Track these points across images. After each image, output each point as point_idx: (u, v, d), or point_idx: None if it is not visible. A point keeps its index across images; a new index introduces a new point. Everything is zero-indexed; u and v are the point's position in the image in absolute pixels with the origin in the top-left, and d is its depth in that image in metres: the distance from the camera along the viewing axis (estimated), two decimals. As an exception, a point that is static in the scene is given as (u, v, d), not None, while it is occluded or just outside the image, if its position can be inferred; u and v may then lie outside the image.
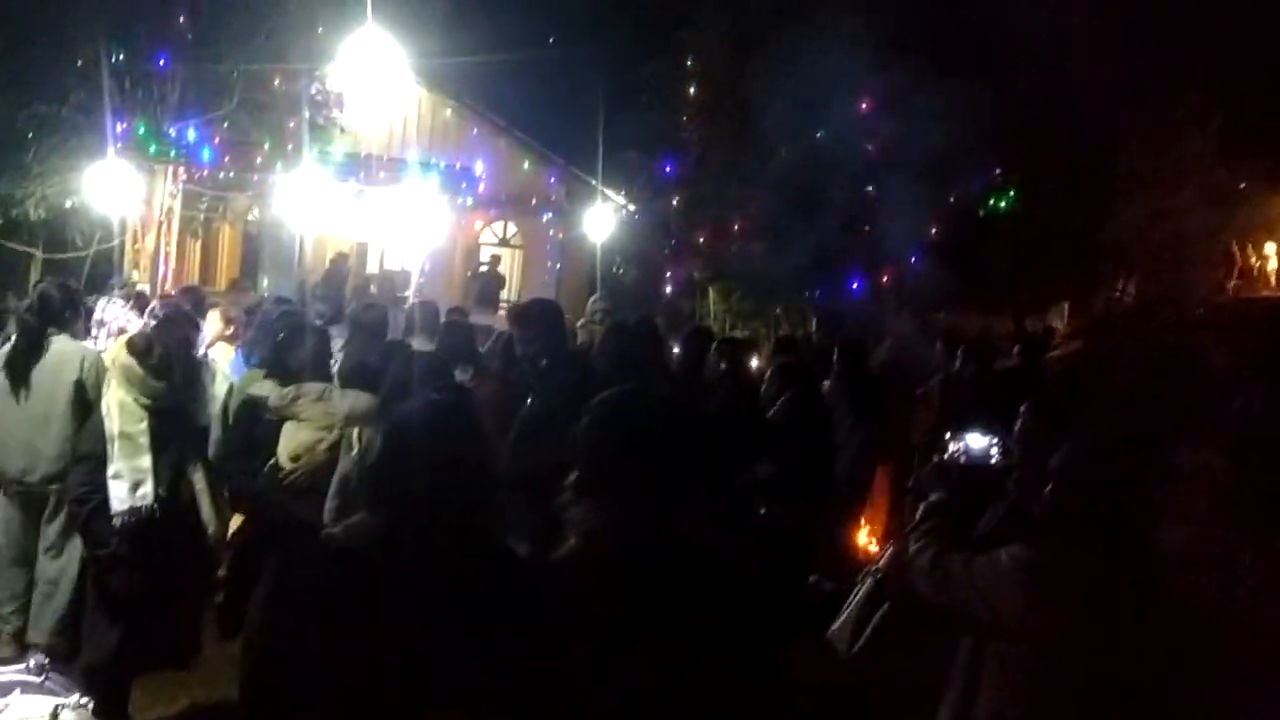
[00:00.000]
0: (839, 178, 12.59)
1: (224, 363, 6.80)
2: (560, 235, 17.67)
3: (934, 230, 12.47)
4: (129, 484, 4.41)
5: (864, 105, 12.77)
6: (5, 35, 11.00)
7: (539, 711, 2.20)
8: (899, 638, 3.05)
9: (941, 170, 12.65)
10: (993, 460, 3.03)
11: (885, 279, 12.51)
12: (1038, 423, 3.02)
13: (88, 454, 4.46)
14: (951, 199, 12.77)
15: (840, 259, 12.64)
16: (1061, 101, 15.86)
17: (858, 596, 3.12)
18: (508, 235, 18.68)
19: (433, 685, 2.23)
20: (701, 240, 14.32)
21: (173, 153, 11.48)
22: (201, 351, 6.77)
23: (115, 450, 4.42)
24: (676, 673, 2.19)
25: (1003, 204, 14.37)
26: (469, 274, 17.91)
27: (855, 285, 12.57)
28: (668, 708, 2.20)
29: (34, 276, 11.82)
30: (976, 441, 3.05)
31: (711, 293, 15.36)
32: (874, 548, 6.45)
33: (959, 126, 11.93)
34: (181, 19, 11.74)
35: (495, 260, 17.55)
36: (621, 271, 16.44)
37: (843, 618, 3.13)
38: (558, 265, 17.61)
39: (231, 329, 7.04)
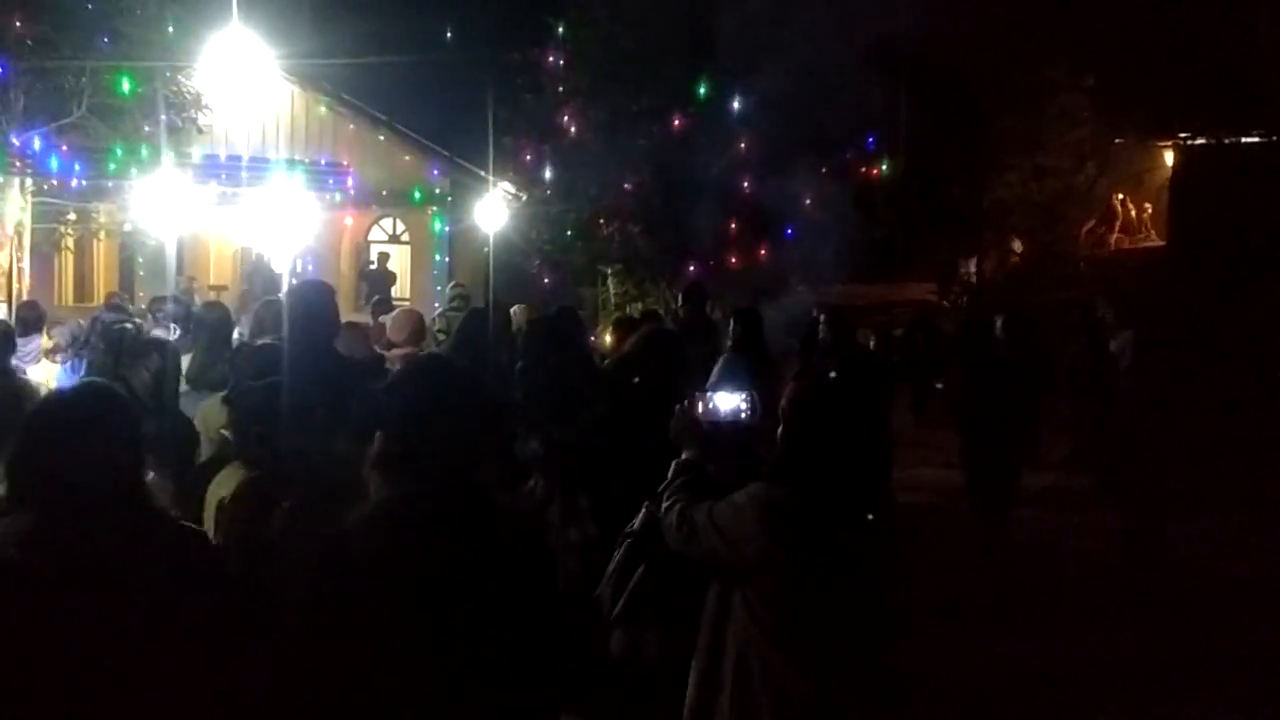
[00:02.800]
0: (711, 154, 12.62)
1: (49, 379, 6.61)
2: (448, 228, 17.45)
3: (808, 202, 12.56)
4: None
5: (733, 81, 12.79)
6: None
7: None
8: (656, 596, 3.05)
9: (815, 142, 12.75)
10: (742, 416, 3.03)
11: (762, 253, 12.60)
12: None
13: None
14: (824, 170, 12.87)
15: (715, 236, 12.67)
16: (936, 65, 16.14)
17: (617, 557, 3.10)
18: (397, 231, 18.40)
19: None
20: (580, 225, 14.23)
21: (17, 164, 10.99)
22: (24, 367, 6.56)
23: None
24: (472, 632, 2.19)
25: (878, 171, 14.57)
26: (358, 273, 17.63)
27: (732, 260, 12.63)
28: (461, 665, 2.19)
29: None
30: (725, 400, 3.05)
31: (609, 277, 15.33)
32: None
33: (831, 96, 12.03)
34: (18, 23, 11.24)
35: (384, 258, 17.27)
36: (524, 261, 16.29)
37: (604, 578, 3.12)
38: (446, 259, 17.38)
39: (53, 345, 6.84)
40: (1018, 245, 20.14)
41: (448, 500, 2.28)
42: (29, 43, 11.53)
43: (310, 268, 15.44)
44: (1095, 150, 19.55)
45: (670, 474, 2.98)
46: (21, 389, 5.86)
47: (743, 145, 12.67)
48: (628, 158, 13.09)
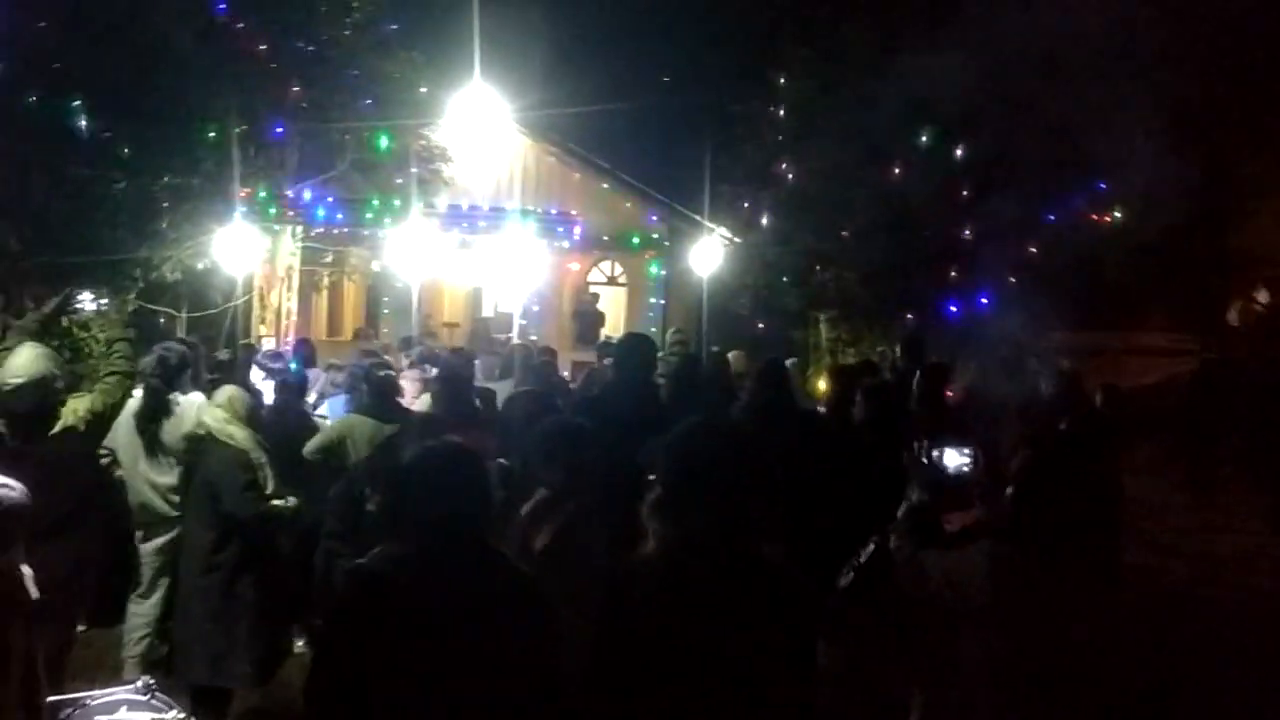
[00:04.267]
0: (931, 201, 12.56)
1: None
2: (664, 272, 18.04)
3: (1032, 250, 12.26)
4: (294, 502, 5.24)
5: (953, 128, 12.69)
6: (144, 118, 12.07)
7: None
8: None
9: (1042, 187, 12.46)
10: (966, 470, 3.21)
11: (983, 300, 12.36)
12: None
13: (249, 483, 5.06)
14: (1052, 216, 12.54)
15: (934, 283, 12.56)
16: (1173, 107, 15.38)
17: (842, 584, 3.32)
18: (615, 274, 19.16)
19: (471, 698, 2.58)
20: (796, 271, 14.42)
21: (290, 214, 12.31)
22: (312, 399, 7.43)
23: (268, 476, 5.17)
24: (730, 666, 2.47)
25: (1109, 218, 14.01)
26: (572, 313, 18.50)
27: (953, 309, 12.45)
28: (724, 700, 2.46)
29: (180, 333, 12.83)
30: (952, 456, 3.24)
31: (821, 322, 15.45)
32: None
33: (1058, 141, 11.77)
34: (295, 88, 12.62)
35: (594, 298, 18.04)
36: (738, 304, 16.64)
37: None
38: (662, 301, 17.95)
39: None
40: (1263, 295, 18.76)
41: (715, 549, 2.55)
42: (303, 106, 12.94)
43: (536, 308, 16.33)
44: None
45: (900, 514, 3.19)
46: (314, 428, 6.72)
47: (964, 193, 12.54)
48: (846, 205, 13.22)
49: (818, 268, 14.11)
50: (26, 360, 4.55)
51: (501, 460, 5.10)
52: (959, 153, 12.66)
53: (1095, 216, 13.34)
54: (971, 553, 2.90)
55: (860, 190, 13.18)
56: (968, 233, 12.65)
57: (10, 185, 11.64)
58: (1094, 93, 12.03)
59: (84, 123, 12.20)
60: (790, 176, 14.33)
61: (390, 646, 2.57)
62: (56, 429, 4.59)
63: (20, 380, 4.48)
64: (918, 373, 8.06)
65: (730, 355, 8.69)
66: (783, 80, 14.42)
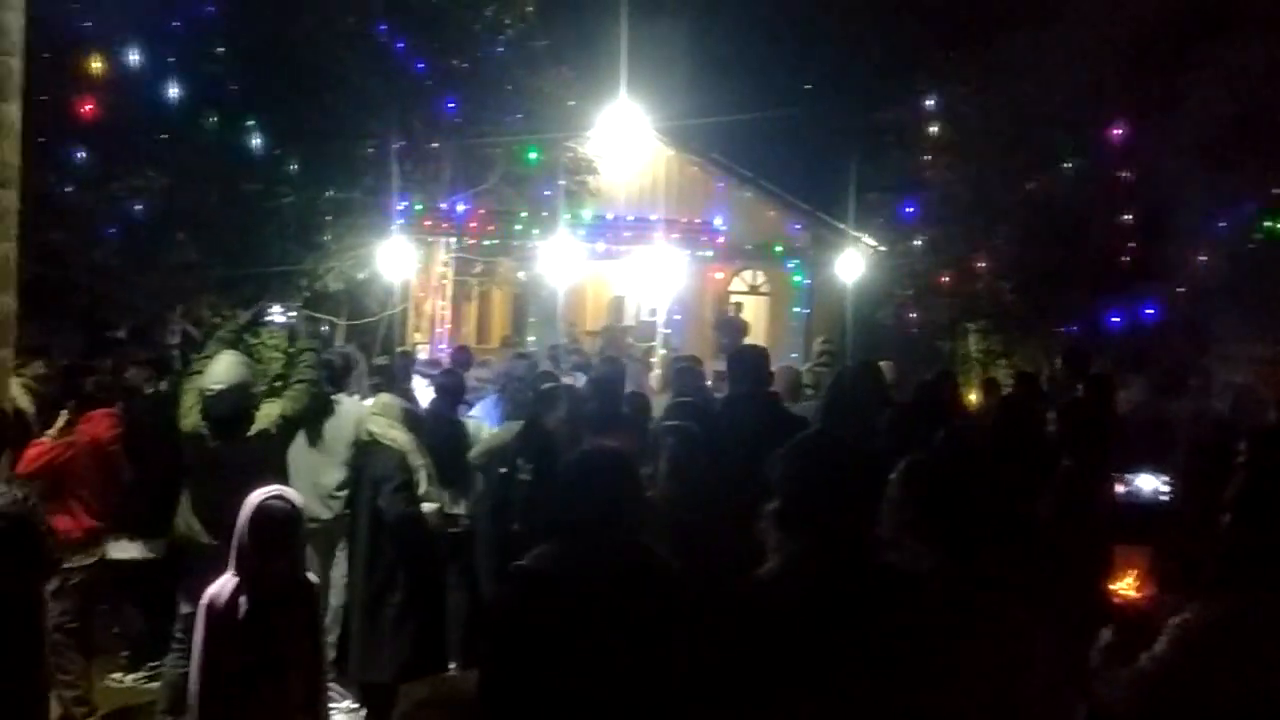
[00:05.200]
0: (1093, 208, 12.03)
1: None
2: (808, 281, 17.86)
3: (1203, 258, 11.59)
4: (436, 505, 5.40)
5: (1118, 130, 12.13)
6: (310, 136, 12.73)
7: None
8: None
9: (1211, 192, 11.79)
10: (1161, 499, 3.03)
11: (1149, 311, 11.74)
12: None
13: (403, 483, 5.27)
14: (1223, 224, 11.82)
15: (1096, 293, 12.01)
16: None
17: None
18: (757, 283, 19.08)
19: (623, 698, 2.63)
20: (946, 280, 14.04)
21: (444, 225, 12.74)
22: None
23: (423, 478, 5.33)
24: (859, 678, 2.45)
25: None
26: (713, 322, 18.47)
27: (1115, 319, 11.87)
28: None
29: (339, 341, 13.45)
30: (1147, 481, 3.07)
31: (970, 333, 15.02)
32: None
33: (1231, 142, 11.11)
34: (451, 105, 13.07)
35: (737, 307, 17.97)
36: (881, 314, 16.35)
37: None
38: (805, 311, 17.77)
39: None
40: None
41: (838, 561, 2.53)
42: (457, 121, 13.39)
43: (678, 317, 16.41)
44: None
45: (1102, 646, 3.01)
46: (462, 430, 6.91)
47: (1128, 203, 11.98)
48: (1001, 211, 12.82)
49: (968, 276, 13.70)
50: (226, 367, 4.88)
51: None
52: (1121, 160, 12.09)
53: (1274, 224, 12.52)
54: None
55: (1016, 196, 12.73)
56: (1131, 243, 12.06)
57: (190, 201, 12.46)
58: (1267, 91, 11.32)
59: (256, 141, 12.95)
60: (941, 183, 13.96)
61: (554, 643, 2.65)
62: (252, 432, 4.89)
63: (221, 386, 4.81)
64: (1079, 386, 7.75)
65: (882, 365, 8.51)
66: (933, 85, 14.08)
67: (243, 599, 3.61)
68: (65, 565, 5.20)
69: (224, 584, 3.67)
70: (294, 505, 3.72)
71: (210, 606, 3.63)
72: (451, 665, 5.93)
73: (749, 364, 5.58)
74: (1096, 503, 4.53)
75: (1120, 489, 2.98)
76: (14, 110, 4.43)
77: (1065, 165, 12.69)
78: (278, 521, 3.63)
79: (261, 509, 3.65)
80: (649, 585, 2.75)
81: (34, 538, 3.33)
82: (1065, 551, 4.70)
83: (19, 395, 5.39)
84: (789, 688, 2.47)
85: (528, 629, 2.69)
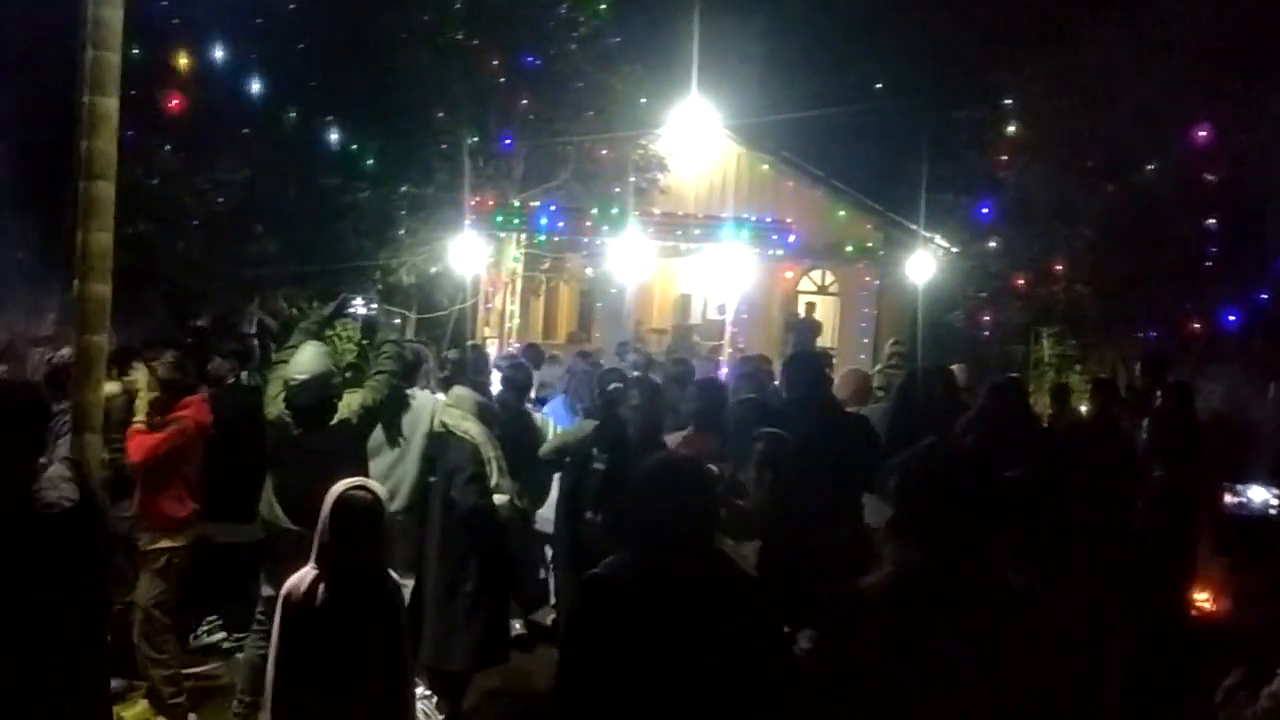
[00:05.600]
0: (1174, 212, 11.70)
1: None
2: (877, 281, 17.66)
3: (1290, 263, 11.22)
4: (507, 497, 5.44)
5: (1202, 130, 11.77)
6: (386, 132, 12.95)
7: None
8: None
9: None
10: (1271, 513, 2.94)
11: (1231, 318, 11.39)
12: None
13: (475, 475, 5.34)
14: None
15: (1177, 298, 11.70)
16: None
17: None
18: (825, 283, 18.93)
19: (700, 709, 2.63)
20: (1021, 282, 13.77)
21: (515, 221, 12.86)
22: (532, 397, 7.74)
23: (495, 470, 5.39)
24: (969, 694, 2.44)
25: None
26: (785, 322, 18.35)
27: (1195, 326, 11.54)
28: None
29: (409, 334, 13.66)
30: (1257, 493, 2.97)
31: (1044, 337, 14.72)
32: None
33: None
34: (524, 102, 13.18)
35: (809, 308, 17.84)
36: (952, 316, 16.11)
37: None
38: (874, 311, 17.59)
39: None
40: None
41: (955, 571, 2.50)
42: (530, 119, 13.50)
43: (745, 316, 16.34)
44: None
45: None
46: (533, 425, 6.98)
47: (1213, 205, 11.63)
48: (1080, 213, 12.54)
49: (1044, 279, 13.42)
50: (310, 358, 4.99)
51: (711, 466, 5.17)
52: (1209, 159, 11.73)
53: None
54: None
55: (1096, 197, 12.43)
56: (1215, 248, 11.71)
57: (269, 195, 12.77)
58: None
59: (334, 137, 13.21)
60: (1017, 184, 13.69)
61: (629, 650, 2.64)
62: (333, 421, 4.99)
63: (305, 376, 4.92)
64: (1158, 393, 7.56)
65: (955, 368, 8.38)
66: (1011, 84, 13.81)
67: (321, 590, 3.55)
68: (170, 545, 5.37)
69: (304, 575, 3.64)
70: (376, 496, 3.66)
71: (288, 597, 3.60)
72: None
73: (804, 369, 5.57)
74: (1188, 514, 4.42)
75: (1230, 499, 2.89)
76: (112, 104, 4.56)
77: (1148, 166, 12.37)
78: (358, 512, 3.57)
79: (343, 499, 3.60)
80: (727, 595, 2.73)
81: (98, 541, 3.23)
82: (1150, 561, 4.61)
83: (140, 380, 5.63)
84: (892, 697, 2.46)
85: (603, 638, 2.68)
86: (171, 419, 5.43)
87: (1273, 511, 2.83)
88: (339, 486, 3.66)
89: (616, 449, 5.30)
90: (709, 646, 2.62)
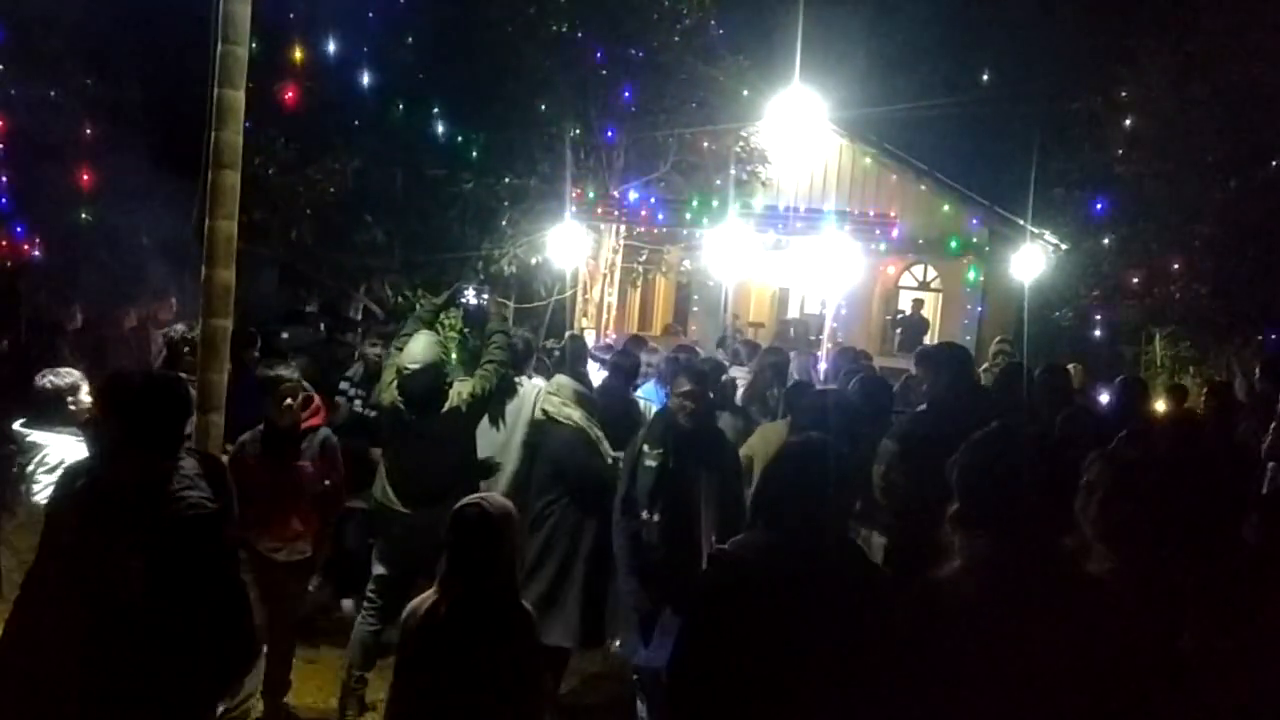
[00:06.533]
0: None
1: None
2: (983, 278, 17.25)
3: None
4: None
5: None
6: (491, 123, 13.14)
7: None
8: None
9: None
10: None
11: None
12: None
13: (594, 452, 5.41)
14: None
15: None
16: None
17: None
18: (928, 279, 18.57)
19: (817, 683, 2.63)
20: (1136, 281, 13.29)
21: (616, 213, 12.92)
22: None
23: (604, 450, 5.44)
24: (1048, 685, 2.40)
25: None
26: (887, 318, 18.06)
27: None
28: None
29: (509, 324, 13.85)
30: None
31: (1157, 338, 14.22)
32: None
33: None
34: (627, 94, 13.23)
35: (918, 304, 17.52)
36: (1059, 315, 15.66)
37: None
38: (979, 309, 17.18)
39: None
40: None
41: (1024, 562, 2.45)
42: (633, 110, 13.53)
43: (844, 311, 16.15)
44: None
45: None
46: (638, 413, 7.01)
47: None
48: (1198, 212, 12.06)
49: (1160, 278, 12.94)
50: (424, 347, 5.12)
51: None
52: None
53: None
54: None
55: (1217, 194, 11.94)
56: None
57: (378, 185, 13.09)
58: None
59: (440, 128, 13.46)
60: (1134, 179, 13.22)
61: (751, 630, 2.64)
62: (444, 409, 5.11)
63: (418, 365, 5.05)
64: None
65: (1070, 368, 8.17)
66: (1128, 75, 13.33)
67: (441, 614, 3.29)
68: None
69: (425, 597, 3.40)
70: (491, 511, 3.34)
71: (407, 621, 3.39)
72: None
73: (947, 360, 5.32)
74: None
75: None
76: (239, 96, 4.73)
77: (1273, 163, 11.82)
78: (470, 528, 3.30)
79: (456, 516, 3.35)
80: (851, 581, 2.72)
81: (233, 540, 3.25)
82: (1266, 573, 4.41)
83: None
84: (966, 689, 2.42)
85: (725, 615, 2.70)
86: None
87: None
88: (460, 503, 3.41)
89: (667, 442, 5.01)
90: (828, 631, 2.61)
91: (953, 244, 16.81)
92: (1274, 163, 11.71)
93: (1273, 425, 5.48)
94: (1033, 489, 2.52)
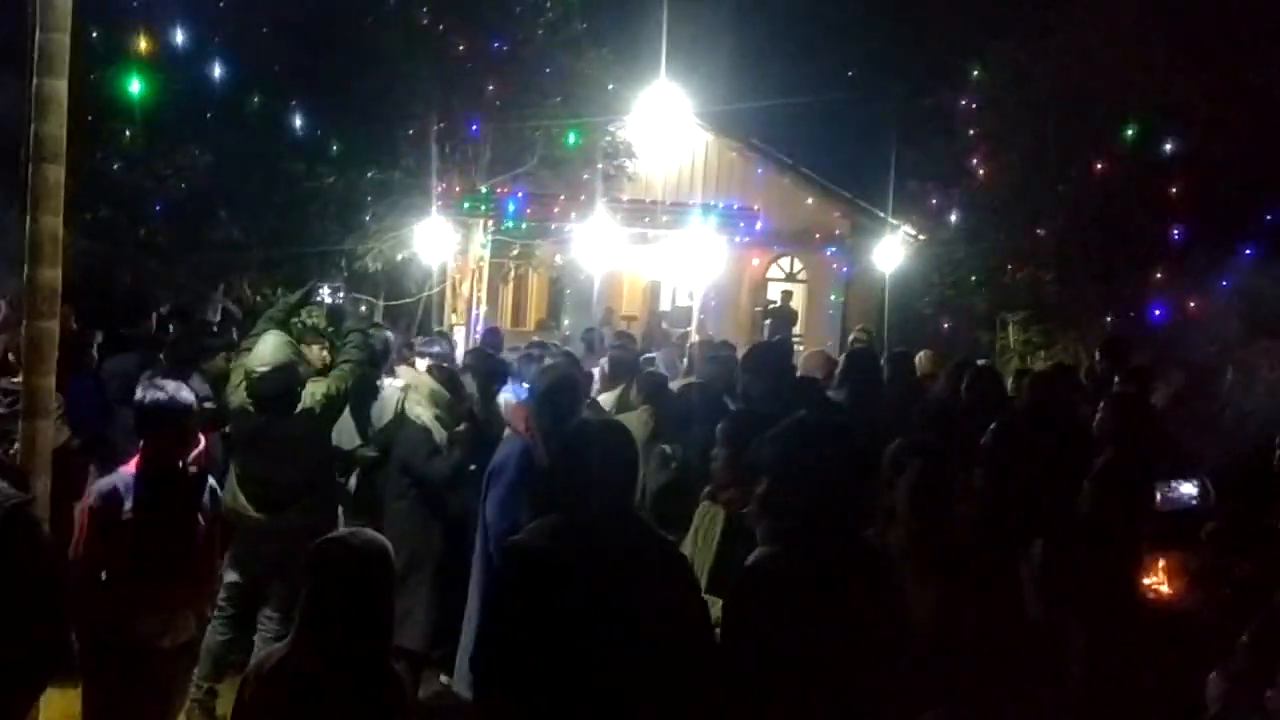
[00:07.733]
0: (1138, 198, 11.84)
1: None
2: (845, 269, 17.73)
3: (1248, 250, 11.37)
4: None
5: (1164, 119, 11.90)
6: (352, 116, 12.81)
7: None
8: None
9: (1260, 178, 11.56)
10: (1194, 504, 3.02)
11: (1192, 304, 11.56)
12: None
13: (429, 454, 5.32)
14: (1269, 216, 11.60)
15: (1138, 285, 11.85)
16: None
17: None
18: (794, 270, 18.99)
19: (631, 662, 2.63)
20: (984, 270, 13.89)
21: (483, 208, 12.78)
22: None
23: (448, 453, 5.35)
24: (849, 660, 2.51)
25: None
26: (756, 310, 18.39)
27: (1157, 312, 11.69)
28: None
29: (376, 321, 13.55)
30: (1183, 488, 3.06)
31: (1010, 325, 14.86)
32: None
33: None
34: (490, 87, 13.10)
35: (787, 296, 17.89)
36: (921, 303, 16.21)
37: None
38: (842, 299, 17.67)
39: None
40: None
41: (823, 544, 2.59)
42: (497, 104, 13.41)
43: (713, 303, 16.37)
44: None
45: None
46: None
47: (1174, 191, 11.76)
48: (1042, 203, 12.65)
49: (1009, 267, 13.54)
50: (273, 348, 4.97)
51: (665, 446, 5.12)
52: (1169, 147, 11.87)
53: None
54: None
55: (1060, 187, 12.55)
56: (1176, 233, 11.86)
57: (233, 180, 12.61)
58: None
59: (298, 121, 13.05)
60: (982, 172, 13.79)
61: (548, 618, 2.62)
62: (297, 410, 4.98)
63: (266, 369, 4.90)
64: (1116, 380, 7.66)
65: (920, 355, 8.45)
66: (976, 72, 13.90)
67: (289, 674, 2.62)
68: None
69: (276, 650, 2.77)
70: (356, 549, 2.65)
71: (252, 672, 2.79)
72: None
73: (766, 360, 5.49)
74: (1137, 496, 4.49)
75: (1161, 494, 2.97)
76: (61, 86, 4.48)
77: (1112, 152, 12.46)
78: (329, 571, 2.63)
79: (316, 554, 2.66)
80: (647, 561, 2.72)
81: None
82: (1101, 543, 4.68)
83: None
84: (779, 673, 2.50)
85: (523, 606, 2.65)
86: None
87: (1195, 503, 2.91)
88: (322, 540, 2.73)
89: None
90: (628, 613, 2.61)
91: (816, 236, 17.24)
92: (1113, 155, 12.32)
93: (1101, 404, 5.79)
94: (837, 474, 2.65)
